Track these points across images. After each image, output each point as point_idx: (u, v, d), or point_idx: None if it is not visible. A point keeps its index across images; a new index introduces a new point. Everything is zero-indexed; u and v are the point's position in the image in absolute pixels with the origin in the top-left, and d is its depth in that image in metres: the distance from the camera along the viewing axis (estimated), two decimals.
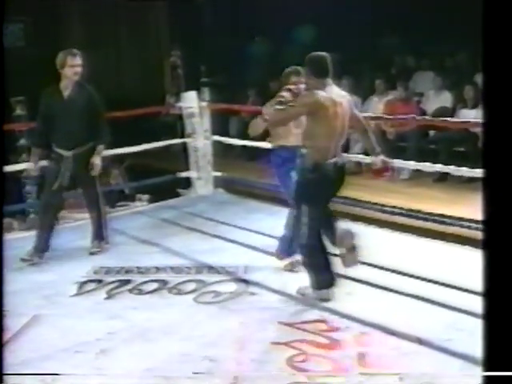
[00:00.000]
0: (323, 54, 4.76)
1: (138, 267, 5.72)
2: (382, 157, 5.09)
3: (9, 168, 6.01)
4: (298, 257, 5.22)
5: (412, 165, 7.27)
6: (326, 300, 4.87)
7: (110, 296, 5.21)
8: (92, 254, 6.12)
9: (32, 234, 6.75)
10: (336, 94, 4.75)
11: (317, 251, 4.87)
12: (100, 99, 6.06)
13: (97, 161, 6.00)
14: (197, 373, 3.94)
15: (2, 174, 5.47)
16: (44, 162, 6.24)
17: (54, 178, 5.96)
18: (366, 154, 7.37)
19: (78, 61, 5.83)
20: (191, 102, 8.00)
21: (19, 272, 5.68)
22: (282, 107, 4.86)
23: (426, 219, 6.63)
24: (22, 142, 7.64)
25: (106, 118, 8.14)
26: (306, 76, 4.83)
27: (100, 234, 6.22)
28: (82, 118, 5.90)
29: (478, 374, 3.38)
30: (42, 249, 5.99)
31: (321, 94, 4.64)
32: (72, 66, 5.80)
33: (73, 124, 5.87)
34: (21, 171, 7.16)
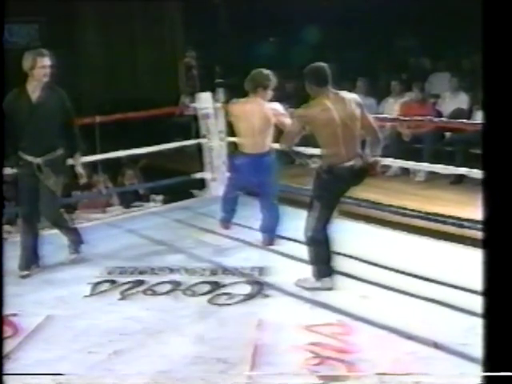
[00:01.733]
0: (321, 64, 5.02)
1: (151, 268, 5.70)
2: (371, 160, 5.19)
3: None
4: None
5: (427, 167, 7.23)
6: (328, 288, 5.07)
7: (123, 297, 5.20)
8: (73, 262, 5.90)
9: (46, 234, 6.80)
10: (340, 99, 4.96)
11: (320, 244, 5.09)
12: (71, 103, 5.67)
13: (81, 169, 5.77)
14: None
15: (1, 175, 5.38)
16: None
17: (27, 187, 5.61)
18: (380, 155, 7.42)
19: (48, 62, 5.43)
20: (206, 103, 7.98)
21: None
22: None
23: (441, 221, 6.57)
24: None
25: (120, 119, 8.24)
26: (307, 86, 5.04)
27: (75, 245, 6.00)
28: (52, 122, 5.51)
29: (477, 373, 3.36)
30: (35, 260, 5.73)
31: (312, 106, 4.95)
32: (42, 68, 5.40)
33: (42, 129, 5.47)
34: None
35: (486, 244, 3.24)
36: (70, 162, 5.79)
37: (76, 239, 6.01)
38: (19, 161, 5.58)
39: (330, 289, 5.08)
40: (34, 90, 5.48)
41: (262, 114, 5.93)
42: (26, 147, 5.51)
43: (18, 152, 5.55)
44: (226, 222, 6.57)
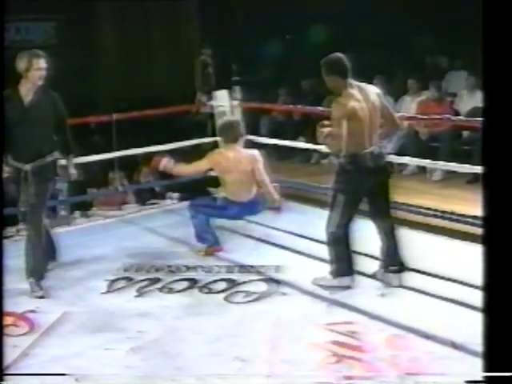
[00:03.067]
0: (339, 54, 4.94)
1: (168, 265, 5.71)
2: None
3: None
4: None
5: (444, 165, 7.19)
6: (347, 287, 5.04)
7: (140, 294, 5.21)
8: (40, 297, 5.20)
9: (62, 231, 6.83)
10: (362, 90, 4.91)
11: (341, 241, 5.05)
12: (63, 106, 5.39)
13: (73, 170, 5.56)
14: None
15: (1, 175, 5.28)
16: None
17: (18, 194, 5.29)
18: (397, 153, 7.39)
19: (44, 64, 5.15)
20: (223, 101, 7.97)
21: (50, 269, 5.67)
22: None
23: (458, 220, 6.52)
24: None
25: (137, 117, 8.24)
26: (330, 78, 4.93)
27: (39, 270, 5.35)
28: (45, 126, 5.23)
29: (478, 373, 3.35)
30: (45, 264, 5.46)
31: (349, 100, 4.82)
32: (38, 70, 5.11)
33: (34, 133, 5.17)
34: None
35: (485, 240, 3.26)
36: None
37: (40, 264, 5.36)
38: (8, 167, 5.22)
39: (348, 287, 5.06)
40: (27, 92, 5.20)
41: (246, 164, 5.96)
42: (16, 152, 5.20)
43: (7, 158, 5.21)
44: (214, 245, 6.07)
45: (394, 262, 5.17)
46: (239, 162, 5.95)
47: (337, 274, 5.08)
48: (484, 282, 3.22)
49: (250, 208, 6.06)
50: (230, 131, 6.06)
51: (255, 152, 6.09)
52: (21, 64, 5.14)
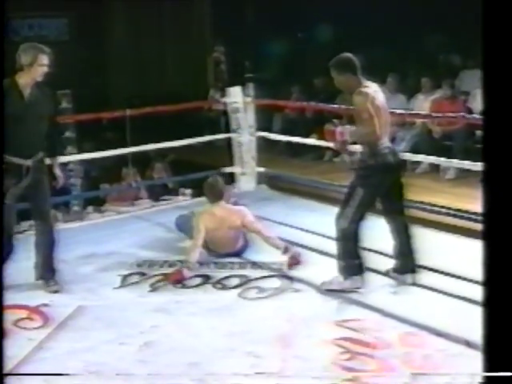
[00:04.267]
0: (347, 53, 5.00)
1: (181, 261, 5.70)
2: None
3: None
4: None
5: (458, 163, 7.19)
6: (358, 287, 4.97)
7: (153, 289, 5.23)
8: (54, 292, 5.23)
9: (75, 226, 6.87)
10: (373, 86, 4.96)
11: (352, 237, 4.98)
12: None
13: (59, 172, 5.45)
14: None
15: (1, 175, 5.21)
16: None
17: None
18: (410, 152, 7.39)
19: (47, 60, 5.01)
20: (236, 98, 7.98)
21: (63, 263, 5.69)
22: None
23: (472, 219, 6.51)
24: (68, 134, 7.63)
25: (150, 113, 8.27)
26: (343, 77, 4.96)
27: (51, 267, 5.31)
28: (42, 121, 5.12)
29: (478, 373, 3.37)
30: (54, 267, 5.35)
31: (368, 90, 4.87)
32: (41, 66, 4.98)
33: (33, 128, 5.05)
34: (65, 163, 7.18)
35: (485, 236, 3.28)
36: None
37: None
38: (3, 164, 4.93)
39: (359, 288, 4.98)
40: (26, 86, 5.03)
41: (234, 219, 5.89)
42: (15, 148, 4.95)
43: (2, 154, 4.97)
44: None
45: (407, 260, 5.15)
46: (226, 217, 5.86)
47: (347, 273, 4.98)
48: (484, 277, 3.23)
49: (234, 256, 5.96)
50: (212, 191, 5.98)
51: (241, 207, 6.07)
52: (25, 57, 4.99)
